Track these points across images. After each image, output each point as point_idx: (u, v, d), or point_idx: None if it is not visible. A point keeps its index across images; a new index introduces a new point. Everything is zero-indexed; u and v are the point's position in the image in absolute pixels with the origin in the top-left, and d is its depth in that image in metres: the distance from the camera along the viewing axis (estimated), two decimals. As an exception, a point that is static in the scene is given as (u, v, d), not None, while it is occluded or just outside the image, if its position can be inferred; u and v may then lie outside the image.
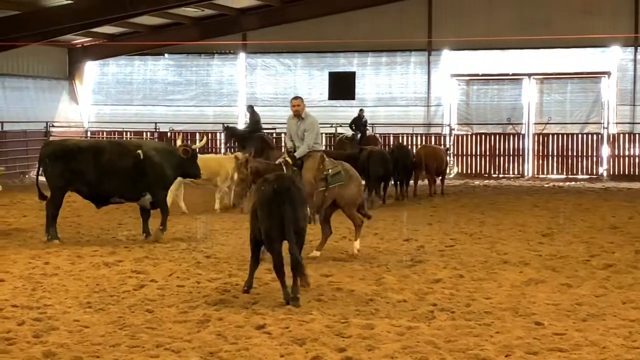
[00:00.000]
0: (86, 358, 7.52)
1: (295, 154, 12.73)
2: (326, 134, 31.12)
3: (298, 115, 12.88)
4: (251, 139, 28.33)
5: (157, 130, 32.37)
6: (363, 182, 20.30)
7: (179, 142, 16.00)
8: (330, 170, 12.82)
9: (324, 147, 13.17)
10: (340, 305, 9.40)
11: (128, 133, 32.54)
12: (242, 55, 33.16)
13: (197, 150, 15.89)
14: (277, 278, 9.70)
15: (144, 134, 32.10)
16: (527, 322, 8.68)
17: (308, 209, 11.15)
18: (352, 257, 12.66)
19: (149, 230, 14.81)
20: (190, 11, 30.89)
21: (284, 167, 12.60)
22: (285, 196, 9.52)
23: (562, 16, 29.72)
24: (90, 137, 33.22)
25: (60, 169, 14.39)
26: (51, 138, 31.25)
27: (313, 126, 12.88)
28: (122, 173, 14.48)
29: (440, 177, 23.50)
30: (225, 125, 30.21)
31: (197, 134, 29.77)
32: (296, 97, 13.17)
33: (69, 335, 8.23)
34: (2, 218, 17.82)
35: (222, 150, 31.34)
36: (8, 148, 29.29)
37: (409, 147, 26.16)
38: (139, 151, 14.63)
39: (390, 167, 20.83)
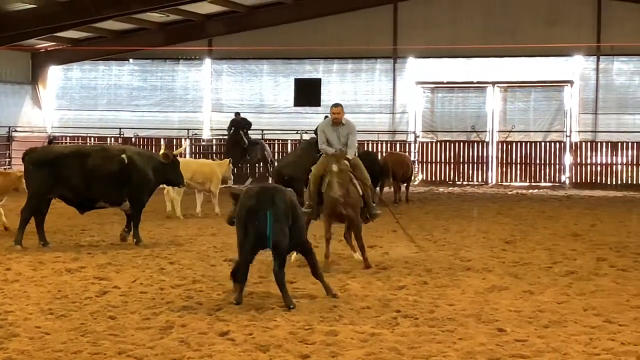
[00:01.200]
0: (47, 365, 7.46)
1: (348, 156, 12.80)
2: (291, 140, 31.21)
3: (338, 122, 13.05)
4: (255, 145, 28.46)
5: (122, 135, 32.19)
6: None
7: (163, 149, 16.07)
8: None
9: None
10: (304, 312, 9.39)
11: (92, 138, 32.32)
12: (207, 61, 33.10)
13: (178, 156, 16.06)
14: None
15: (108, 139, 31.90)
16: (490, 328, 8.72)
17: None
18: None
19: (128, 233, 14.95)
20: (156, 16, 30.78)
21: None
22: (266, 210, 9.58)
23: (527, 25, 30.00)
24: (54, 143, 33.01)
25: (43, 176, 14.26)
26: (14, 143, 31.03)
27: (355, 130, 13.17)
28: (108, 178, 14.45)
29: (405, 184, 23.58)
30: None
31: (162, 140, 29.68)
32: (337, 105, 13.31)
33: (30, 342, 8.15)
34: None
35: (187, 156, 31.19)
36: (-30, 152, 29.02)
37: (375, 154, 26.21)
38: (124, 155, 14.64)
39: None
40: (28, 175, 14.57)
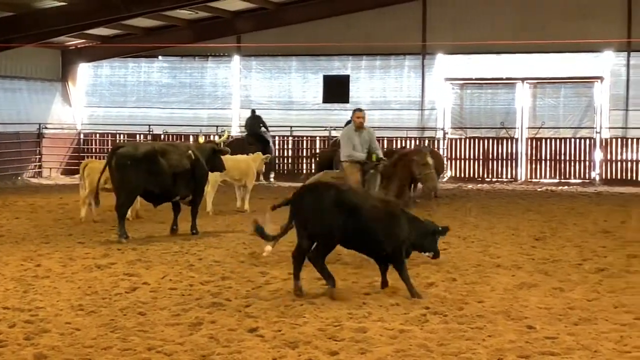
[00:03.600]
0: (78, 360, 7.51)
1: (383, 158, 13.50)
2: (320, 136, 31.21)
3: (360, 127, 13.45)
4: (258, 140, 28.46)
5: (151, 132, 32.33)
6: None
7: (201, 139, 16.97)
8: None
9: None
10: (333, 309, 9.39)
11: (121, 135, 32.49)
12: (236, 57, 33.14)
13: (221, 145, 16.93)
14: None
15: (137, 136, 32.04)
16: (520, 325, 8.68)
17: None
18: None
19: (177, 225, 15.60)
20: (185, 13, 30.86)
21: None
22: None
23: (556, 21, 29.76)
24: (83, 139, 33.28)
25: (138, 172, 14.78)
26: (44, 140, 31.25)
27: (375, 136, 13.69)
28: (185, 173, 15.27)
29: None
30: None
31: (191, 137, 29.74)
32: (360, 110, 13.71)
33: (60, 337, 8.21)
34: (-5, 220, 17.79)
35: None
36: (1, 150, 29.24)
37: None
38: (190, 151, 15.47)
39: None
40: (122, 172, 14.83)
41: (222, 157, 16.45)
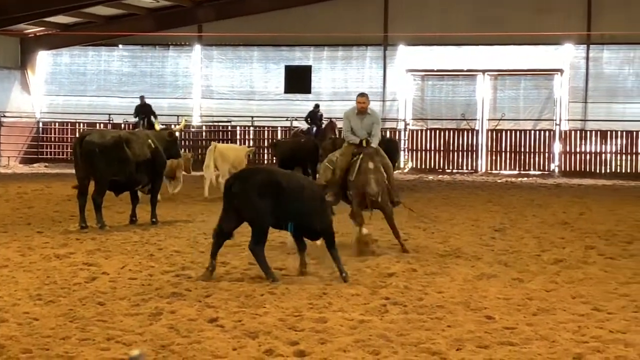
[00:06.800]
0: (36, 350, 7.42)
1: (372, 144, 13.27)
2: (281, 127, 31.19)
3: (363, 111, 13.47)
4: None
5: (111, 121, 32.11)
6: None
7: (157, 126, 16.97)
8: None
9: None
10: (294, 299, 9.39)
11: (81, 124, 32.22)
12: (197, 47, 33.00)
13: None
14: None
15: (97, 125, 31.80)
16: (479, 316, 8.73)
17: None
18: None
19: (137, 216, 15.58)
20: (146, 2, 30.69)
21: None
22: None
23: (517, 14, 30.00)
24: (42, 128, 32.99)
25: (109, 160, 14.70)
26: (2, 129, 30.90)
27: (379, 120, 13.72)
28: (146, 162, 15.23)
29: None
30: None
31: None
32: (362, 94, 13.81)
33: (18, 327, 8.13)
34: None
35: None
36: (-42, 138, 28.92)
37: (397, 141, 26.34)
38: (150, 140, 15.41)
39: None
40: (92, 160, 14.70)
41: (177, 143, 16.59)
